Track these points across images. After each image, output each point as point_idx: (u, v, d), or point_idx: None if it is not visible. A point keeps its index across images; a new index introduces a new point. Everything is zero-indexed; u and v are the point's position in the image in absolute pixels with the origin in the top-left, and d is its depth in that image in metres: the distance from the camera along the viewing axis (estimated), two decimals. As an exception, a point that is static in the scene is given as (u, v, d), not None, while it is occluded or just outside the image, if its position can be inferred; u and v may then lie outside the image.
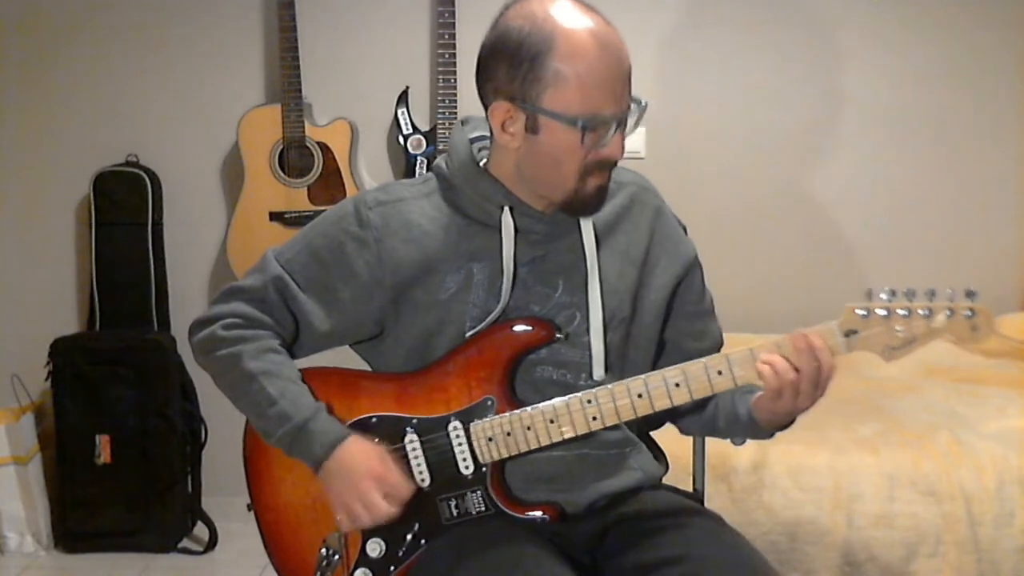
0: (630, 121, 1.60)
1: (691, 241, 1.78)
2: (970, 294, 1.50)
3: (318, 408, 1.63)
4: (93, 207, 3.33)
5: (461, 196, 1.67)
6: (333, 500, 1.62)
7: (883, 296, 1.52)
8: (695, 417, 1.76)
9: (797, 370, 1.53)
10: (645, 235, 1.72)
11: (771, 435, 1.71)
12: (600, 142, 1.57)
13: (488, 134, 1.67)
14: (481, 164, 1.67)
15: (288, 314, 1.68)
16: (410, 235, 1.66)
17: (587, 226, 1.67)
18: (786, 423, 1.66)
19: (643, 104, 1.60)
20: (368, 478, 1.59)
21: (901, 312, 1.51)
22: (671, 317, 1.74)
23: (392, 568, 1.65)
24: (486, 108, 1.61)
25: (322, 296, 1.68)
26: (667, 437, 1.83)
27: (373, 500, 1.59)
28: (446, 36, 3.21)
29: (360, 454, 1.60)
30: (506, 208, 1.64)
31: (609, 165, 1.61)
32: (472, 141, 1.69)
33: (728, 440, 1.79)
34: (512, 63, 1.55)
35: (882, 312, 1.51)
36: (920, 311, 1.50)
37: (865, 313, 1.52)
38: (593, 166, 1.59)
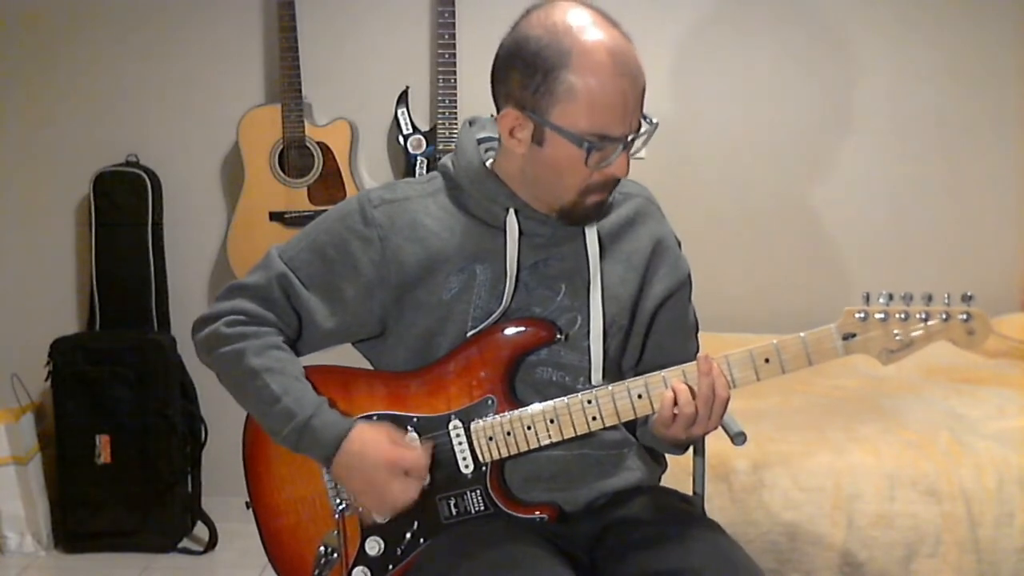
0: (639, 140, 1.58)
1: (686, 258, 1.79)
2: (966, 298, 1.50)
3: (320, 403, 1.63)
4: (93, 207, 3.33)
5: (467, 197, 1.67)
6: (354, 495, 1.62)
7: (881, 300, 1.52)
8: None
9: (696, 405, 1.54)
10: (648, 246, 1.72)
11: (683, 451, 1.71)
12: (605, 161, 1.56)
13: (495, 135, 1.67)
14: (487, 164, 1.67)
15: (292, 311, 1.68)
16: (415, 234, 1.65)
17: (591, 232, 1.67)
18: (687, 443, 1.67)
19: (653, 123, 1.59)
20: (382, 467, 1.58)
21: (899, 316, 1.51)
22: (653, 328, 1.74)
23: (391, 567, 1.65)
24: (498, 110, 1.60)
25: (326, 294, 1.67)
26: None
27: (394, 487, 1.59)
28: (446, 36, 3.21)
29: (369, 444, 1.59)
30: (511, 210, 1.64)
31: (612, 183, 1.61)
32: (479, 142, 1.69)
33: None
34: (526, 72, 1.53)
35: (880, 316, 1.51)
36: (917, 315, 1.50)
37: (863, 316, 1.52)
38: (596, 185, 1.59)
